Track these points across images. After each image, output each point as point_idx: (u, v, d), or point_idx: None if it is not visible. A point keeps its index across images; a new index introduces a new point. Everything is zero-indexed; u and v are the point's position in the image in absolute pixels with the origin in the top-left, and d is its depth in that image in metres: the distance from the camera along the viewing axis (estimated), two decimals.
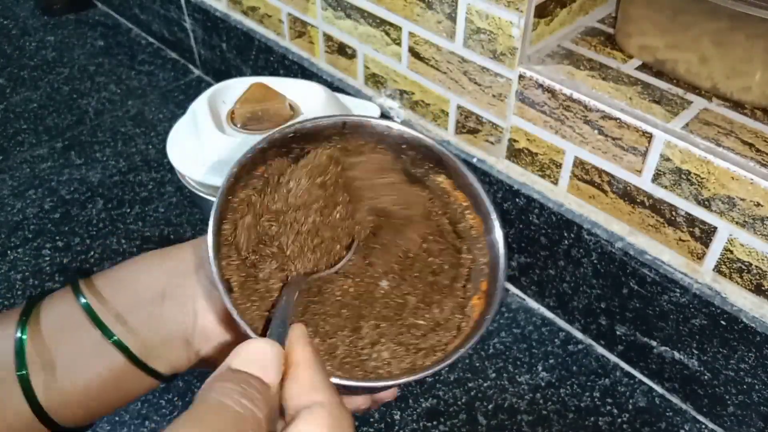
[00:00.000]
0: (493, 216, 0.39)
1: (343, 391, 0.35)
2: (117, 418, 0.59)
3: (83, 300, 0.37)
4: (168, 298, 0.37)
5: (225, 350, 0.38)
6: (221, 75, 0.94)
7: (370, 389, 0.35)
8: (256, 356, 0.28)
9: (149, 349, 0.37)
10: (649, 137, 0.51)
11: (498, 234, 0.39)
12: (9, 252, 0.73)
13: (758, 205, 0.47)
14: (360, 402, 0.38)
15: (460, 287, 0.39)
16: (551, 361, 0.63)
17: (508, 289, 0.70)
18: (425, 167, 0.41)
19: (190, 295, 0.37)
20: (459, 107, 0.64)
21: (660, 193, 0.53)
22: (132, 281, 0.38)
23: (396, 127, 0.40)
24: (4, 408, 0.35)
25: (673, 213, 0.53)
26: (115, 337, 0.36)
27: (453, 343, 0.36)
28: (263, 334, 0.33)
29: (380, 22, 0.66)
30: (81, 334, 0.36)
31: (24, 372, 0.35)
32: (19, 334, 0.35)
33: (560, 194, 0.60)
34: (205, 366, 0.40)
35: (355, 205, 0.40)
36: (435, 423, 0.58)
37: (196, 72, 1.01)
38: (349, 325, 0.36)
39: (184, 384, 0.61)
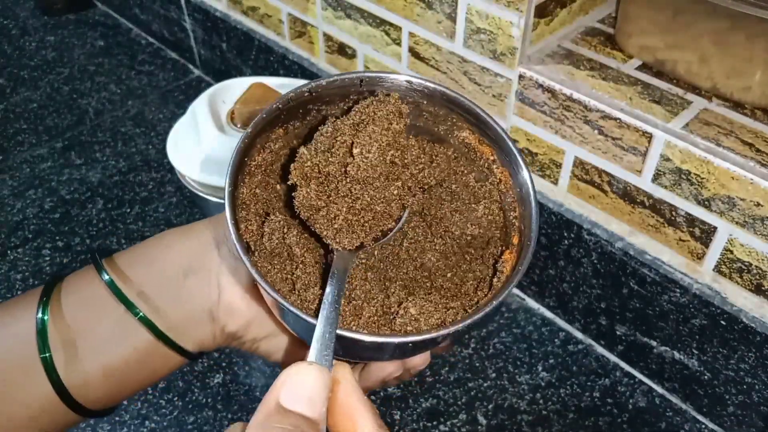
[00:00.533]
0: (522, 165, 0.36)
1: (371, 354, 0.33)
2: (117, 418, 0.59)
3: (107, 276, 0.36)
4: (191, 274, 0.37)
5: (250, 325, 0.37)
6: (221, 75, 0.94)
7: (396, 346, 0.33)
8: (305, 391, 0.27)
9: (174, 325, 0.36)
10: (649, 137, 0.51)
11: (527, 183, 0.36)
12: (9, 252, 0.74)
13: (758, 205, 0.47)
14: (391, 369, 0.37)
15: (492, 246, 0.37)
16: (551, 361, 0.63)
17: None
18: (448, 123, 0.39)
19: (214, 270, 0.37)
20: None
21: (660, 193, 0.53)
22: (154, 259, 0.37)
23: (416, 80, 0.37)
24: (28, 391, 0.34)
25: (673, 213, 0.53)
26: (141, 314, 0.35)
27: (484, 300, 0.34)
28: (289, 298, 0.32)
29: (380, 22, 0.66)
30: (105, 312, 0.36)
31: (47, 354, 0.34)
32: (40, 315, 0.35)
33: (560, 194, 0.60)
34: (232, 342, 0.39)
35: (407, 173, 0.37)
36: (435, 423, 0.58)
37: (196, 72, 1.01)
38: (375, 287, 0.35)
39: (184, 384, 0.61)
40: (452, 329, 0.31)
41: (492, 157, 0.38)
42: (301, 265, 0.34)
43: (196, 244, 0.37)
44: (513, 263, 0.35)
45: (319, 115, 0.38)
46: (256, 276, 0.31)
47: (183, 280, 0.37)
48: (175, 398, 0.61)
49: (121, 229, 0.76)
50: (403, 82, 0.37)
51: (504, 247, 0.37)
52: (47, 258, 0.73)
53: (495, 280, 0.35)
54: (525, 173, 0.36)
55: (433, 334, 0.31)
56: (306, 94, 0.37)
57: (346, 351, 0.32)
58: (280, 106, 0.36)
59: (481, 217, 0.37)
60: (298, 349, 0.39)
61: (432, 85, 0.37)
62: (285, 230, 0.35)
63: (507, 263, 0.36)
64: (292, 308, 0.30)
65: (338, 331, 0.30)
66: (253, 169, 0.36)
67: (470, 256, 0.37)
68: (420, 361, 0.37)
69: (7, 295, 0.69)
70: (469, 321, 0.31)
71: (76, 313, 0.36)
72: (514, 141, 0.37)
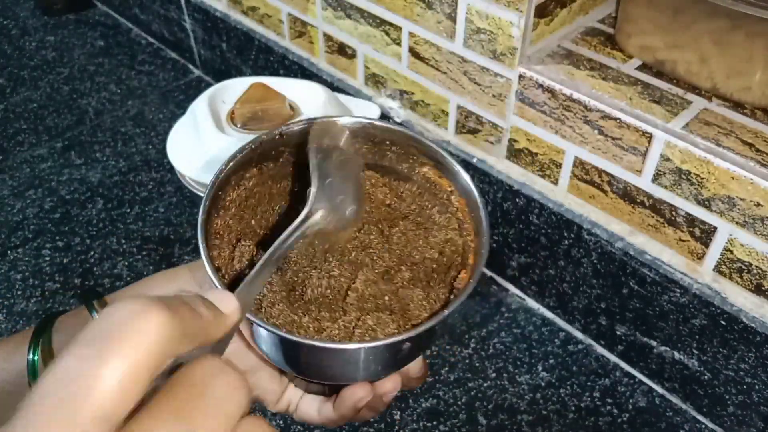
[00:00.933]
0: (475, 194, 0.39)
1: (334, 370, 0.36)
2: None
3: (97, 316, 0.38)
4: None
5: (229, 360, 0.39)
6: (221, 75, 0.94)
7: (350, 355, 0.35)
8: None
9: None
10: (649, 137, 0.51)
11: (482, 209, 0.39)
12: (9, 252, 0.73)
13: (758, 205, 0.47)
14: (362, 394, 0.37)
15: (453, 270, 0.40)
16: (551, 361, 0.63)
17: (507, 289, 0.70)
18: (410, 160, 0.42)
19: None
20: (459, 107, 0.64)
21: (660, 193, 0.53)
22: None
23: (378, 122, 0.41)
24: None
25: (673, 213, 0.53)
26: None
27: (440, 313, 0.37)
28: (256, 316, 0.34)
29: (380, 22, 0.66)
30: None
31: None
32: (31, 356, 0.36)
33: (560, 194, 0.60)
34: None
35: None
36: (435, 423, 0.58)
37: (196, 72, 1.01)
38: (339, 310, 0.37)
39: None
40: (405, 336, 0.33)
41: (450, 189, 0.41)
42: (268, 285, 0.36)
43: (179, 285, 0.40)
44: (467, 280, 0.38)
45: (291, 158, 0.41)
46: (215, 282, 0.32)
47: None
48: None
49: (121, 229, 0.76)
50: (367, 123, 0.42)
51: (462, 268, 0.40)
52: (47, 258, 0.73)
53: (452, 296, 0.38)
54: (481, 210, 0.39)
55: (387, 341, 0.33)
56: (278, 136, 0.40)
57: (311, 366, 0.36)
58: (253, 146, 0.39)
59: (442, 244, 0.40)
60: (276, 386, 0.41)
61: (393, 126, 0.41)
62: (254, 253, 0.38)
63: (463, 281, 0.39)
64: (255, 320, 0.32)
65: (286, 335, 0.32)
66: (227, 203, 0.39)
67: (434, 282, 0.40)
68: (390, 387, 0.38)
69: (7, 295, 0.69)
70: (422, 329, 0.33)
71: None
72: (456, 156, 0.41)
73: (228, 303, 0.25)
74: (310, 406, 0.40)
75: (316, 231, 0.37)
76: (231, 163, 0.38)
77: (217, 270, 0.35)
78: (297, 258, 0.38)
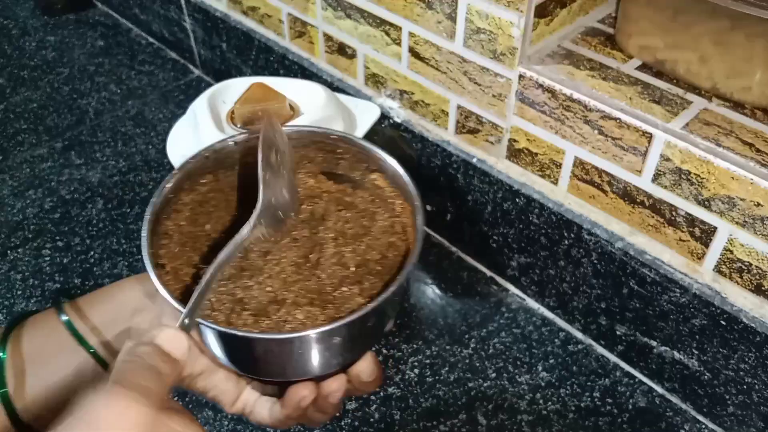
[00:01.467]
0: (411, 191, 0.40)
1: (267, 365, 0.36)
2: None
3: (65, 317, 0.40)
4: (137, 313, 0.41)
5: (186, 360, 0.41)
6: (221, 75, 0.94)
7: (276, 345, 0.36)
8: (174, 337, 0.31)
9: None
10: (649, 137, 0.51)
11: (419, 213, 0.40)
12: (9, 252, 0.73)
13: (758, 205, 0.47)
14: (305, 392, 0.38)
15: (394, 271, 0.41)
16: (551, 361, 0.63)
17: (507, 289, 0.70)
18: (362, 168, 0.43)
19: (158, 311, 0.41)
20: (459, 107, 0.64)
21: (660, 193, 0.53)
22: (109, 301, 0.42)
23: (331, 132, 0.43)
24: None
25: (673, 213, 0.53)
26: (93, 349, 0.40)
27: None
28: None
29: (380, 22, 0.66)
30: (60, 348, 0.40)
31: (5, 390, 0.38)
32: (0, 354, 0.39)
33: (560, 194, 0.60)
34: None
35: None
36: (435, 423, 0.58)
37: (196, 72, 1.01)
38: (281, 307, 0.38)
39: None
40: (325, 328, 0.34)
41: (395, 193, 0.43)
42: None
43: (146, 289, 0.42)
44: (395, 277, 0.39)
45: (247, 167, 0.42)
46: (157, 284, 0.34)
47: (130, 318, 0.41)
48: (175, 398, 0.61)
49: (121, 229, 0.76)
50: (318, 132, 0.43)
51: (400, 269, 0.40)
52: (47, 258, 0.73)
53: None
54: (412, 191, 0.40)
55: (305, 333, 0.33)
56: (231, 143, 0.42)
57: (249, 361, 0.37)
58: (206, 154, 0.41)
59: (385, 248, 0.41)
60: (232, 387, 0.41)
61: (339, 134, 0.43)
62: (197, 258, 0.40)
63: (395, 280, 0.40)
64: (171, 299, 0.34)
65: (220, 328, 0.34)
66: (180, 206, 0.41)
67: (375, 286, 0.40)
68: (335, 386, 0.38)
69: (7, 295, 0.69)
70: (343, 321, 0.34)
71: (34, 349, 0.39)
72: (399, 160, 0.41)
73: (179, 344, 0.30)
74: (263, 407, 0.41)
75: (254, 243, 0.38)
76: (183, 169, 0.40)
77: (160, 266, 0.37)
78: (240, 269, 0.39)
